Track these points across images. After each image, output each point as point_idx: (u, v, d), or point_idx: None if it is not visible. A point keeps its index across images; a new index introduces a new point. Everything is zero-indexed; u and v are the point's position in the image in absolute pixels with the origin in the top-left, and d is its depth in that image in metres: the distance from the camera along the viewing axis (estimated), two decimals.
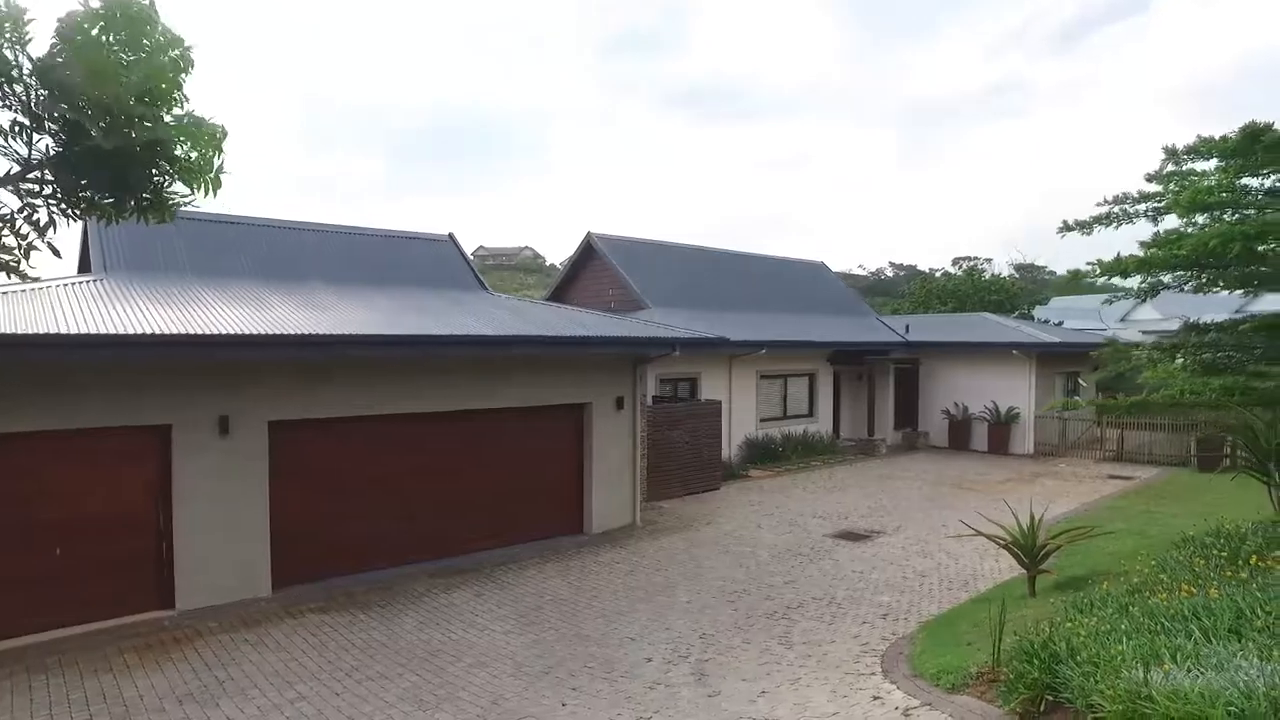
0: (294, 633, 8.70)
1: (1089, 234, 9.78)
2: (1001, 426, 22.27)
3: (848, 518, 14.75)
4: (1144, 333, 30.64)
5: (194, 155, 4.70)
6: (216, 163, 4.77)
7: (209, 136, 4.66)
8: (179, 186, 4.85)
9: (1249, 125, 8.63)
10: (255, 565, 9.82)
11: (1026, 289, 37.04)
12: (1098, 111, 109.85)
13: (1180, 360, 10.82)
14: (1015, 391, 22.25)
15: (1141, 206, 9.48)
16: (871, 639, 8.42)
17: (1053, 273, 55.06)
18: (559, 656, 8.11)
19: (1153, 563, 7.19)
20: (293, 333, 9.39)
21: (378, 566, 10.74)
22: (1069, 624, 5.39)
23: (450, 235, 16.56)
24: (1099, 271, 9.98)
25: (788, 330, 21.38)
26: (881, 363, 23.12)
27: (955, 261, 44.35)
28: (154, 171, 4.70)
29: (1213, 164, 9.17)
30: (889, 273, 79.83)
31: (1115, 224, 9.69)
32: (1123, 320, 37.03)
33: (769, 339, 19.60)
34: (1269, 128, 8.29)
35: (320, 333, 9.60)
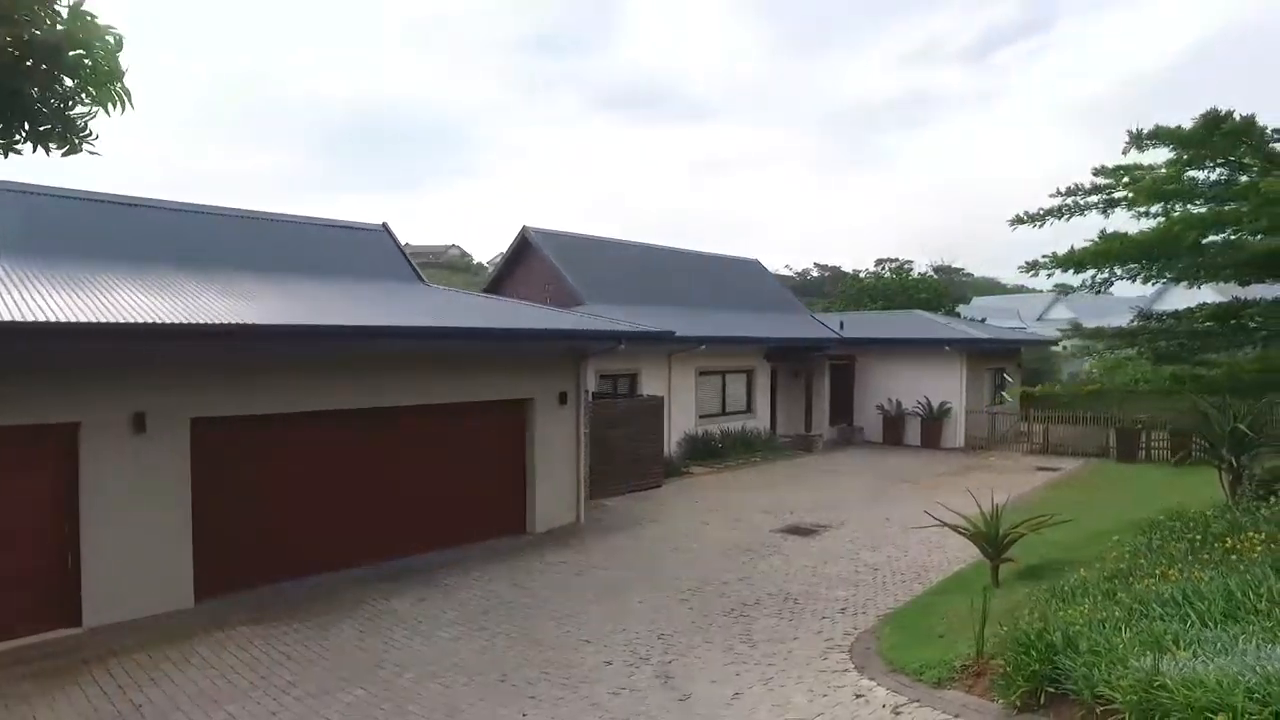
0: (222, 647, 7.98)
1: (1041, 226, 9.85)
2: (934, 422, 22.70)
3: (793, 513, 14.66)
4: (1060, 330, 31.84)
5: (89, 63, 3.87)
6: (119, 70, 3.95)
7: (101, 40, 3.85)
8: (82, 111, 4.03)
9: (1210, 112, 8.72)
10: (176, 575, 9.02)
11: (948, 289, 38.10)
12: (1005, 122, 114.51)
13: (1136, 350, 10.98)
14: (947, 387, 22.71)
15: (1094, 199, 9.57)
16: (834, 634, 8.25)
17: (970, 275, 56.82)
18: (513, 663, 7.66)
19: (1126, 549, 7.18)
20: (217, 321, 8.66)
21: (313, 572, 10.04)
22: (1062, 613, 5.26)
23: (384, 225, 15.80)
24: (1053, 264, 10.04)
25: (726, 327, 21.30)
26: (818, 359, 23.27)
27: (878, 263, 45.32)
28: (53, 86, 3.88)
29: (1162, 156, 9.30)
30: (814, 273, 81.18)
31: (1067, 216, 9.78)
32: (1040, 319, 38.46)
33: (708, 335, 19.43)
34: (1229, 115, 8.46)
35: (248, 322, 8.89)
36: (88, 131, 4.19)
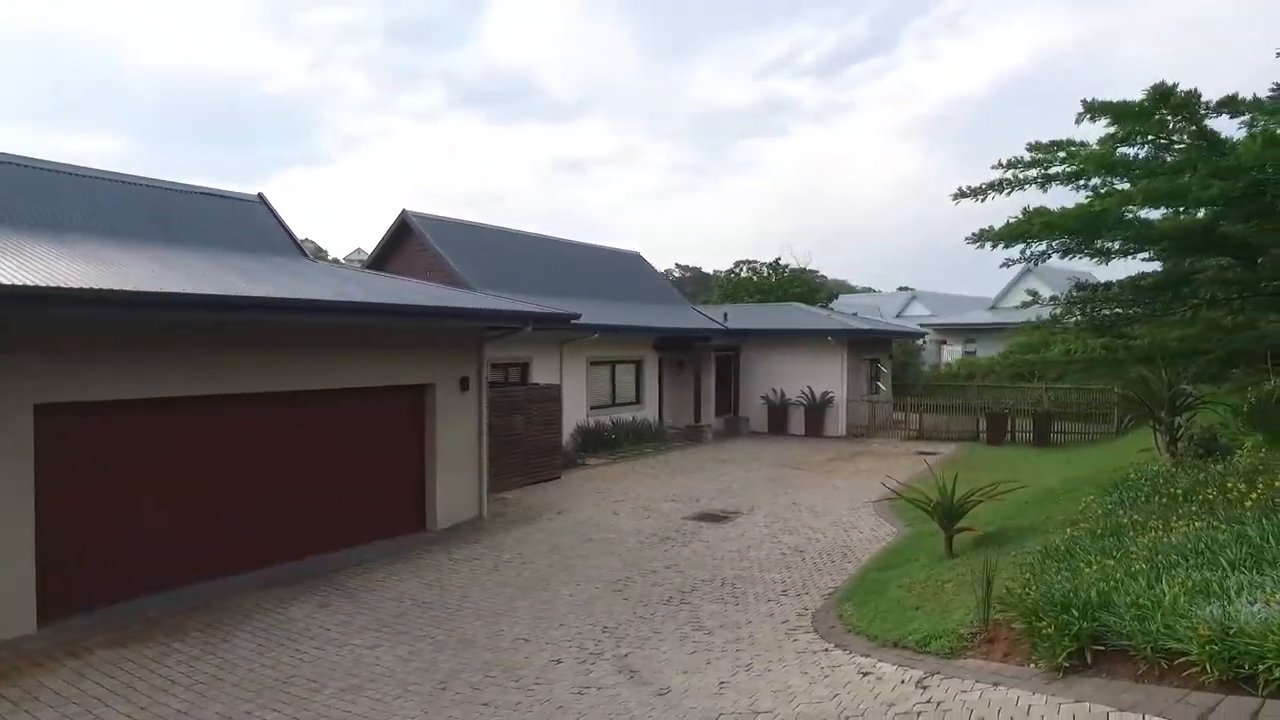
0: (80, 677, 6.56)
1: (983, 200, 9.94)
2: (817, 410, 23.13)
3: (699, 500, 14.33)
4: (922, 325, 33.62)
5: None
6: None
7: None
8: None
9: (1159, 85, 9.02)
10: (13, 595, 7.41)
11: (821, 285, 39.37)
12: (851, 134, 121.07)
13: (1074, 319, 11.31)
14: (829, 376, 23.20)
15: (1032, 173, 9.74)
16: (788, 616, 7.90)
17: (825, 277, 59.17)
18: (449, 668, 6.77)
19: (1100, 509, 7.18)
20: (70, 286, 7.16)
21: (188, 582, 8.62)
22: (1087, 570, 5.04)
23: (260, 196, 14.09)
24: (997, 234, 10.13)
25: (613, 317, 20.74)
26: (704, 351, 23.18)
27: (736, 265, 46.29)
28: None
29: (1093, 134, 9.52)
30: (676, 274, 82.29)
31: (1008, 190, 9.90)
32: (898, 316, 40.52)
33: (605, 323, 18.84)
34: (1174, 88, 8.78)
35: (107, 288, 7.42)
36: None
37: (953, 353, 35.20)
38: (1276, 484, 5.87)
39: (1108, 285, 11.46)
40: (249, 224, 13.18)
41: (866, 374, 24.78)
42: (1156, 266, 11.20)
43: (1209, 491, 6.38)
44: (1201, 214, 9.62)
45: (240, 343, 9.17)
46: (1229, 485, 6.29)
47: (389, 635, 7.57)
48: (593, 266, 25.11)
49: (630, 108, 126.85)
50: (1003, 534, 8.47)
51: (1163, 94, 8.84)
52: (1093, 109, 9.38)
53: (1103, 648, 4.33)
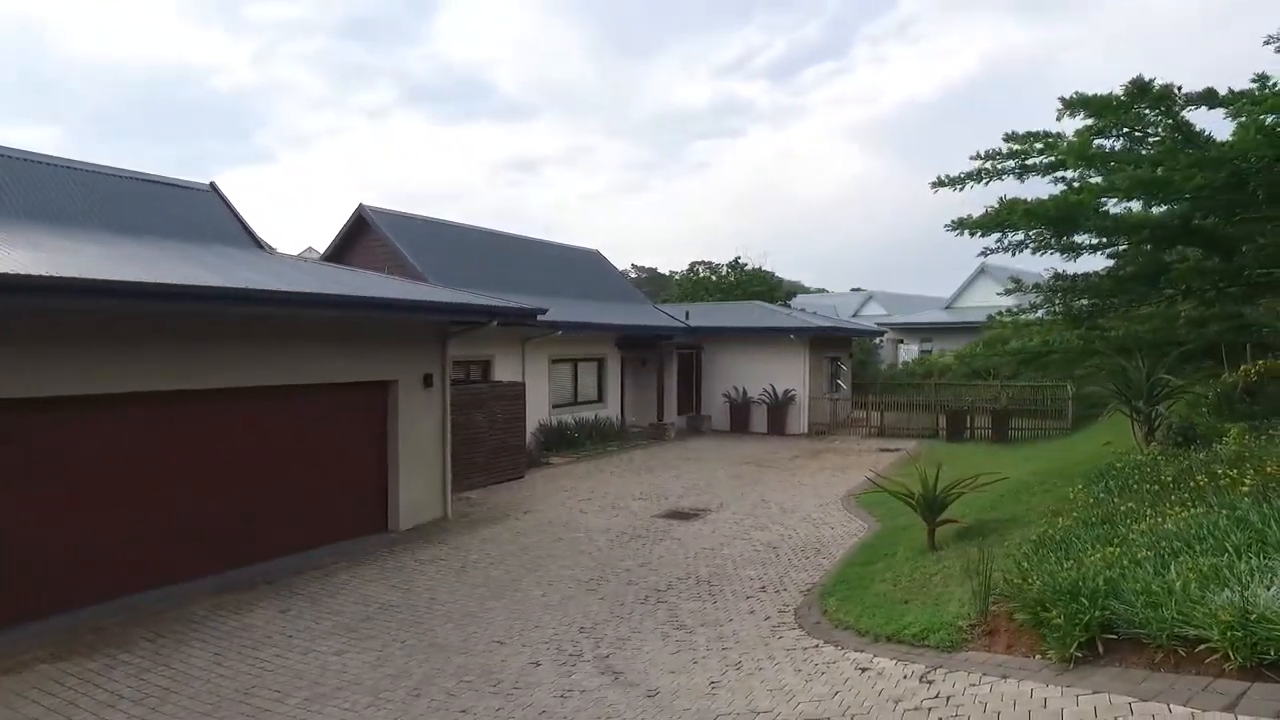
0: (16, 696, 6.03)
1: (961, 189, 9.90)
2: (779, 409, 23.11)
3: (667, 498, 14.11)
4: (878, 325, 33.95)
5: None
6: None
7: None
8: None
9: (1136, 79, 9.17)
10: None
11: (780, 284, 39.52)
12: (805, 136, 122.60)
13: (1054, 308, 11.35)
14: (791, 374, 23.21)
15: (1010, 164, 9.76)
16: (769, 612, 7.71)
17: (780, 279, 59.71)
18: (422, 673, 6.42)
19: (1091, 499, 7.12)
20: (6, 273, 6.63)
21: (138, 589, 8.08)
22: (1091, 558, 4.93)
23: (212, 185, 13.43)
24: (976, 222, 10.10)
25: (575, 314, 20.43)
26: (667, 348, 22.99)
27: (691, 266, 46.22)
28: None
29: (1075, 125, 9.57)
30: (632, 274, 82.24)
31: (986, 180, 9.88)
32: (855, 316, 40.92)
33: (568, 320, 18.52)
34: (1153, 82, 8.87)
35: (48, 275, 6.90)
36: None
37: (909, 352, 35.63)
38: (1268, 469, 5.87)
39: (1086, 275, 11.47)
40: (201, 214, 12.54)
41: (827, 372, 24.87)
42: (1123, 264, 11.30)
43: (1199, 478, 6.36)
44: (1177, 206, 9.74)
45: (192, 337, 8.65)
46: (1219, 472, 6.28)
47: (356, 640, 7.18)
48: (553, 264, 24.74)
49: (583, 108, 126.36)
50: (983, 526, 8.41)
51: (1141, 87, 8.93)
52: (1071, 104, 9.45)
53: (1114, 636, 4.21)
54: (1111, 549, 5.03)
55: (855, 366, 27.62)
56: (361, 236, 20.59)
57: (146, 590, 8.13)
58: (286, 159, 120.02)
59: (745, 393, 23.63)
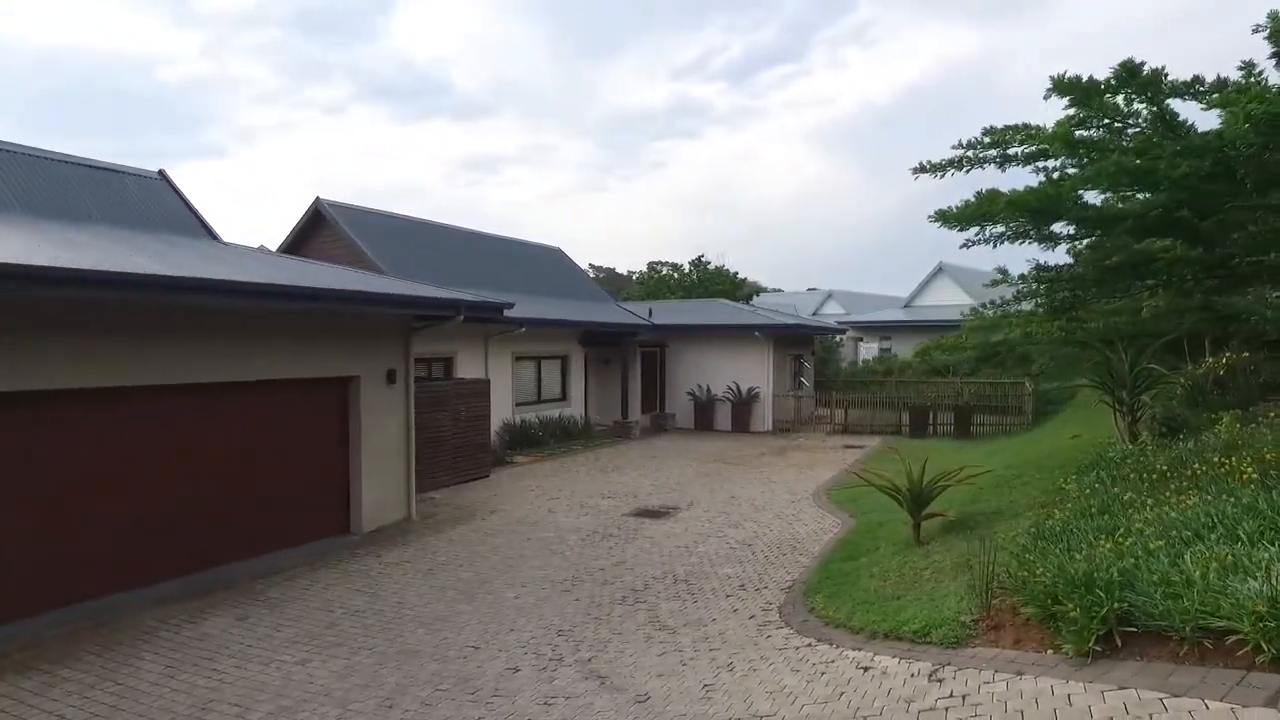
0: None
1: (942, 177, 9.83)
2: (744, 406, 22.99)
3: (636, 496, 13.82)
4: (839, 323, 34.13)
5: None
6: None
7: None
8: None
9: (1126, 61, 9.16)
10: None
11: (742, 283, 39.54)
12: (762, 138, 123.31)
13: (1035, 303, 11.38)
14: (755, 372, 23.10)
15: (991, 152, 9.73)
16: (753, 610, 7.47)
17: (743, 278, 60.14)
18: (394, 682, 6.02)
19: (1086, 490, 6.99)
20: None
21: (80, 599, 7.49)
22: (1104, 548, 4.76)
23: (161, 173, 12.70)
24: (958, 214, 10.04)
25: (538, 311, 20.02)
26: (630, 346, 22.71)
27: (650, 266, 46.05)
28: None
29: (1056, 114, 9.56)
30: (590, 273, 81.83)
31: (967, 168, 9.81)
32: (814, 315, 41.15)
33: (533, 316, 18.11)
34: (1142, 65, 8.90)
35: None
36: None
37: (869, 350, 35.93)
38: (1268, 457, 5.81)
39: (1070, 266, 11.62)
40: (151, 202, 11.85)
41: (791, 370, 24.83)
42: (1106, 254, 11.35)
43: (1196, 467, 6.30)
44: (1157, 196, 9.81)
45: (141, 330, 8.10)
46: (1217, 460, 6.22)
47: (321, 648, 6.75)
48: (515, 261, 24.27)
49: (541, 107, 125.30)
50: (968, 520, 8.30)
51: (1130, 70, 8.96)
52: (1060, 85, 9.43)
53: (1133, 629, 4.04)
54: (1122, 539, 4.88)
55: (817, 364, 27.66)
56: (318, 232, 19.90)
57: (92, 599, 7.55)
58: (238, 155, 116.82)
59: (709, 391, 23.46)
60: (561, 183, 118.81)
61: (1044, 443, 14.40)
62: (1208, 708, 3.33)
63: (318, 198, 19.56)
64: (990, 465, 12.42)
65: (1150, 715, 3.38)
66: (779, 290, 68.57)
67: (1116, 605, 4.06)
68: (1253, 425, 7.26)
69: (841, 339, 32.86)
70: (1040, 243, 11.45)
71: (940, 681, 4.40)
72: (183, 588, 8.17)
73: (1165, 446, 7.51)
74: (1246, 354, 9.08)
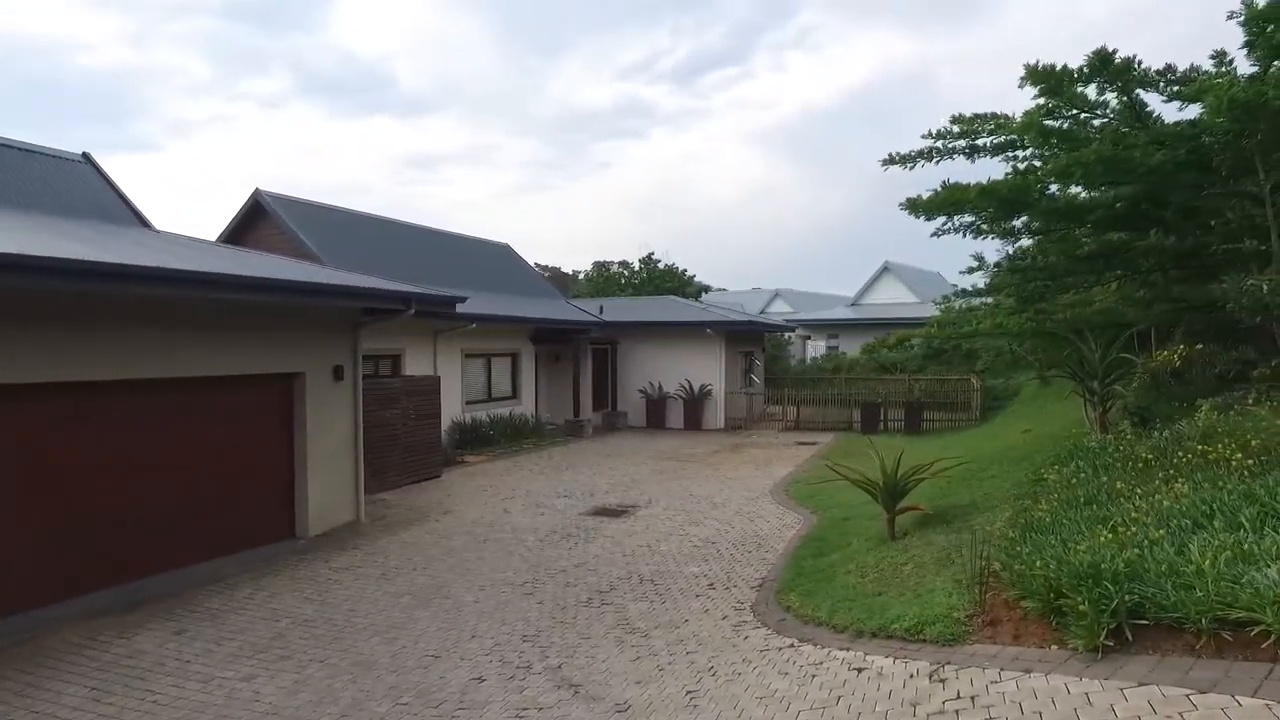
0: None
1: (911, 168, 9.81)
2: (696, 404, 22.79)
3: (593, 496, 13.45)
4: (786, 320, 34.30)
5: None
6: None
7: None
8: None
9: (1100, 50, 9.26)
10: None
11: (691, 280, 39.51)
12: (707, 138, 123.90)
13: (1002, 296, 11.46)
14: (708, 369, 22.94)
15: (960, 143, 9.76)
16: (724, 610, 7.19)
17: (692, 275, 60.43)
18: (350, 697, 5.55)
19: (1073, 479, 6.87)
20: None
21: None
22: (1100, 539, 4.59)
23: (86, 155, 11.80)
24: (928, 203, 10.02)
25: (489, 307, 19.48)
26: (582, 343, 22.30)
27: (596, 264, 46.04)
28: None
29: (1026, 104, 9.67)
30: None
31: (936, 159, 9.79)
32: (762, 313, 41.40)
33: (484, 312, 17.58)
34: (1115, 53, 8.99)
35: None
36: None
37: (817, 348, 36.31)
38: (1253, 444, 5.78)
39: (1044, 254, 11.65)
40: (76, 186, 10.98)
41: (742, 367, 24.73)
42: (1075, 245, 11.53)
43: (1183, 455, 6.25)
44: (1127, 189, 9.95)
45: (66, 321, 7.40)
46: (1201, 449, 6.18)
47: (268, 662, 6.21)
48: (463, 257, 23.64)
49: (486, 105, 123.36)
50: (942, 514, 8.16)
51: (1103, 58, 9.07)
52: (1033, 74, 9.55)
53: (1144, 622, 3.86)
54: (1123, 529, 4.73)
55: (767, 362, 27.66)
56: (257, 224, 18.98)
57: (9, 615, 6.85)
58: (172, 148, 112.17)
59: (661, 388, 23.19)
60: (506, 182, 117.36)
61: (997, 438, 14.52)
62: (1240, 704, 3.15)
63: (257, 189, 18.68)
64: (947, 459, 12.42)
65: (1180, 714, 3.19)
66: (724, 290, 68.91)
67: (1126, 598, 3.88)
68: (1230, 413, 7.28)
69: (790, 337, 33.01)
70: (1002, 237, 11.61)
71: (943, 682, 4.17)
72: (113, 599, 7.50)
73: (1142, 436, 7.51)
74: (1200, 345, 9.20)
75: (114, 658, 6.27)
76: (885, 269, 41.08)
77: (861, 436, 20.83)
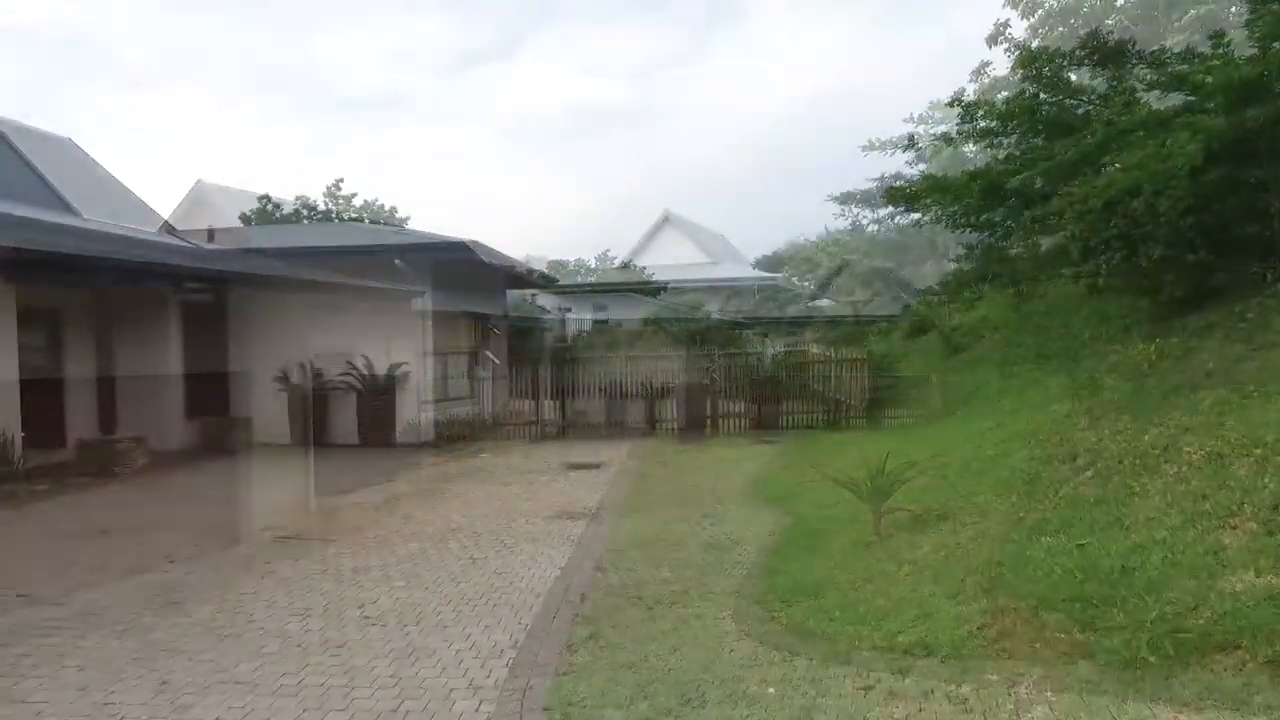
0: None
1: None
2: (379, 400, 23.50)
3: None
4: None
5: None
6: None
7: None
8: None
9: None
10: None
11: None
12: (661, 136, 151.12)
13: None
14: (404, 342, 24.10)
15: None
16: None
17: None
18: None
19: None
20: None
21: None
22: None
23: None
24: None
25: None
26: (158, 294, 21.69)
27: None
28: None
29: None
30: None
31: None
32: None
33: None
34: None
35: None
36: None
37: (581, 323, 38.56)
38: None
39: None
40: None
41: (467, 345, 25.71)
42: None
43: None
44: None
45: None
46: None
47: None
48: None
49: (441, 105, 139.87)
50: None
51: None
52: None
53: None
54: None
55: (515, 339, 28.96)
56: None
57: None
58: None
59: (322, 374, 22.96)
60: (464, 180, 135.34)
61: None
62: None
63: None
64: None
65: None
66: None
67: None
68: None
69: (546, 306, 35.74)
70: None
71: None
72: None
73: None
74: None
75: None
76: (666, 220, 45.68)
77: (682, 447, 21.35)
